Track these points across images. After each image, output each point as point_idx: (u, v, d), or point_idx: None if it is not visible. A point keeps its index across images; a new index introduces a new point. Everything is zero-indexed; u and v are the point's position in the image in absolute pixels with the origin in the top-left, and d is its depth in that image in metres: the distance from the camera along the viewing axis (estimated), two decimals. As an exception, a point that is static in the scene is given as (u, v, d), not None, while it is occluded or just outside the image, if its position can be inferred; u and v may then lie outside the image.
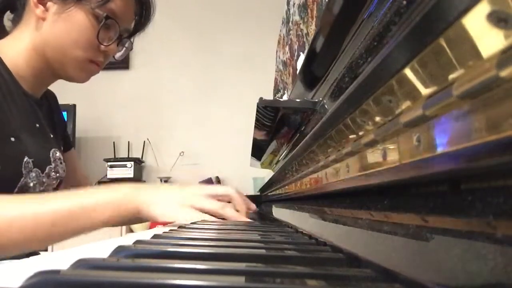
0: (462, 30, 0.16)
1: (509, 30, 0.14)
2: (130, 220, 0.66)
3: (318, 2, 0.78)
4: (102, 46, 0.83)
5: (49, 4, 0.80)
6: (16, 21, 0.85)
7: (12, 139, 0.75)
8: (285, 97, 1.06)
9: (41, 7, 0.80)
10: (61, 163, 0.90)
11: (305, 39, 0.93)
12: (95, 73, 0.88)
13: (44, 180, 0.83)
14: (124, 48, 0.91)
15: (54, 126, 0.97)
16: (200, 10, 3.06)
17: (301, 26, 0.95)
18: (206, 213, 0.66)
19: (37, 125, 0.86)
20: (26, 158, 0.77)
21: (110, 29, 0.83)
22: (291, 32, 1.13)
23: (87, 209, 0.61)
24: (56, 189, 0.91)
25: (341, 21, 0.45)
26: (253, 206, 0.79)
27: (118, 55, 0.91)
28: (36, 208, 0.59)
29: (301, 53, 0.95)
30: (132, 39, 0.92)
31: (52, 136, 0.91)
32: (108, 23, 0.81)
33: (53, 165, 0.87)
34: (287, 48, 1.22)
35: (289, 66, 1.19)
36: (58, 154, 0.89)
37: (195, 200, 0.67)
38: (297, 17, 1.01)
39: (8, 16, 0.88)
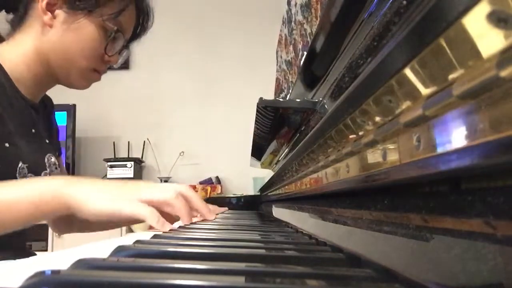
0: (462, 30, 0.16)
1: (509, 30, 0.14)
2: (60, 215, 0.60)
3: (322, 2, 0.78)
4: (106, 56, 0.84)
5: (57, 11, 0.80)
6: (16, 24, 0.84)
7: (7, 144, 0.74)
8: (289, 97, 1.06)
9: (49, 14, 0.80)
10: (56, 168, 0.90)
11: (308, 39, 0.93)
12: (96, 81, 0.89)
13: None
14: (122, 57, 0.92)
15: (51, 131, 0.97)
16: (200, 11, 3.06)
17: (305, 25, 0.95)
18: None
19: (33, 130, 0.85)
20: (20, 164, 0.76)
21: (116, 41, 0.84)
22: (294, 31, 1.13)
23: (10, 202, 0.57)
24: None
25: (341, 21, 0.45)
26: (209, 216, 0.66)
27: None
28: None
29: (305, 52, 0.95)
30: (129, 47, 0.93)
31: (48, 141, 0.91)
32: (115, 36, 0.83)
33: (48, 170, 0.86)
34: (291, 48, 1.22)
35: (294, 66, 1.19)
36: (53, 159, 0.89)
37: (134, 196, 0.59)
38: (300, 17, 1.01)
39: (6, 17, 0.88)
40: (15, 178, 0.75)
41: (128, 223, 0.55)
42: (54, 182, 0.60)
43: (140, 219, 0.56)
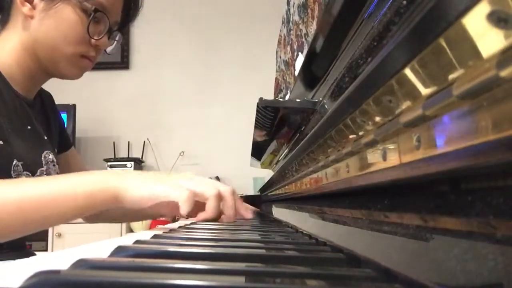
0: (462, 30, 0.16)
1: (509, 30, 0.14)
2: (108, 208, 0.61)
3: (319, 2, 0.78)
4: (93, 40, 0.82)
5: (35, 1, 0.78)
6: (3, 22, 0.84)
7: (0, 142, 0.74)
8: (287, 97, 1.06)
9: (27, 5, 0.79)
10: (54, 165, 0.88)
11: (304, 39, 0.93)
12: (88, 69, 0.86)
13: None
14: (115, 42, 0.90)
15: (49, 127, 0.95)
16: (200, 10, 3.06)
17: (300, 26, 0.95)
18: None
19: (29, 127, 0.84)
20: (15, 161, 0.75)
21: (100, 22, 0.82)
22: (291, 32, 1.13)
23: (57, 197, 0.57)
24: None
25: (341, 21, 0.45)
26: (248, 215, 0.68)
27: (109, 49, 0.89)
28: (4, 192, 0.56)
29: (299, 53, 0.95)
30: (122, 33, 0.91)
31: (46, 138, 0.89)
32: (97, 17, 0.80)
33: (45, 167, 0.85)
34: (288, 48, 1.22)
35: (291, 66, 1.19)
36: (51, 156, 0.87)
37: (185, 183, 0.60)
38: (296, 17, 1.01)
39: None
40: (10, 175, 0.74)
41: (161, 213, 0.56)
42: (103, 175, 0.61)
43: (174, 200, 0.57)
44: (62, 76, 0.85)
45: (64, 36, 0.80)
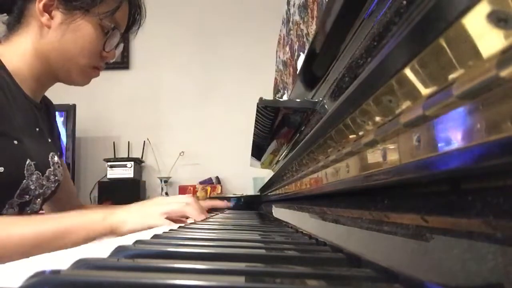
0: (462, 30, 0.16)
1: (509, 30, 0.14)
2: (103, 236, 0.70)
3: (318, 2, 0.78)
4: (104, 53, 0.86)
5: (54, 12, 0.81)
6: (13, 25, 0.85)
7: (16, 142, 0.76)
8: (285, 97, 1.06)
9: (46, 15, 0.81)
10: (58, 167, 0.92)
11: (305, 39, 0.93)
12: (95, 77, 0.91)
13: (44, 182, 0.84)
14: (119, 51, 0.95)
15: (52, 131, 0.99)
16: (200, 10, 3.06)
17: (301, 26, 0.95)
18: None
19: (37, 128, 0.88)
20: (28, 161, 0.78)
21: (113, 37, 0.87)
22: (291, 32, 1.13)
23: (61, 233, 0.66)
24: (54, 192, 0.91)
25: (341, 21, 0.45)
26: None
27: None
28: (19, 230, 0.64)
29: (301, 53, 0.95)
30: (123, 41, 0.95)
31: (50, 140, 0.93)
32: (112, 32, 0.85)
33: (52, 168, 0.88)
34: (287, 48, 1.22)
35: (290, 66, 1.18)
36: (56, 158, 0.91)
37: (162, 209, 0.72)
38: (297, 17, 1.01)
39: (1, 18, 0.89)
40: (23, 175, 0.77)
41: None
42: (100, 213, 0.71)
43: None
44: (71, 83, 0.91)
45: (81, 50, 0.84)
